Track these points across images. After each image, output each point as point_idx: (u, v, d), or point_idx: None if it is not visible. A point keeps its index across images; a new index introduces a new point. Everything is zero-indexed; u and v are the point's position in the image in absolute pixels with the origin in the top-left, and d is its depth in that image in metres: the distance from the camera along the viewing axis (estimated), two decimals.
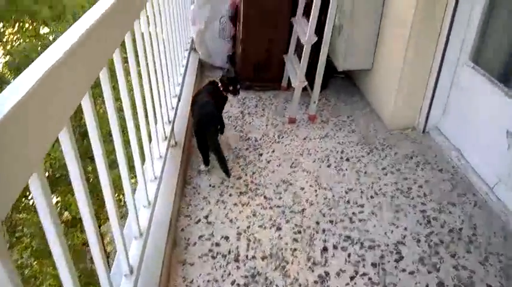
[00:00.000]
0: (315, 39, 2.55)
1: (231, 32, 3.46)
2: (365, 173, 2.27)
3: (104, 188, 1.14)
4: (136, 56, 1.57)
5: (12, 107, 0.58)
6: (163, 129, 2.06)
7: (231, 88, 2.33)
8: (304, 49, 2.58)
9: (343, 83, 3.34)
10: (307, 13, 2.95)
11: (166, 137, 2.06)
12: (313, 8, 2.46)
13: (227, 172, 2.22)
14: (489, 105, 2.08)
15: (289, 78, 3.08)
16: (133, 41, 1.46)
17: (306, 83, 2.67)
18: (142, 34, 1.66)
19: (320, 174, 2.26)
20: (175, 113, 2.36)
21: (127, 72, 1.38)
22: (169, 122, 2.20)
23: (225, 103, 2.46)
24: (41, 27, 6.11)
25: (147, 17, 1.79)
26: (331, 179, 2.22)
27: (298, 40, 2.96)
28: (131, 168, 1.40)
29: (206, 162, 2.28)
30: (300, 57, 3.02)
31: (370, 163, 2.35)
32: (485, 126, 2.12)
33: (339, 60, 2.94)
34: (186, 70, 2.90)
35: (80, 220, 1.04)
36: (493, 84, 2.04)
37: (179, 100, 2.51)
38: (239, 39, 3.24)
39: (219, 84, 2.35)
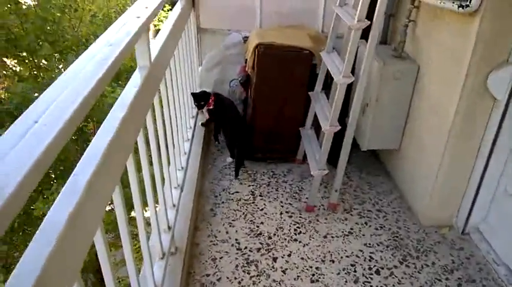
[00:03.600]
0: (339, 128, 2.22)
1: (242, 95, 3.16)
2: None
3: None
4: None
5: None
6: (160, 242, 1.71)
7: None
8: (325, 136, 2.26)
9: (366, 156, 3.01)
10: (325, 87, 2.66)
11: (164, 254, 1.72)
12: (337, 94, 2.15)
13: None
14: None
15: (305, 151, 2.79)
16: None
17: (327, 171, 2.33)
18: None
19: None
20: (177, 211, 2.02)
21: None
22: (169, 228, 1.87)
23: None
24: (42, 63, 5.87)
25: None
26: None
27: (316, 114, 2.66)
28: None
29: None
30: (317, 133, 2.73)
31: (405, 279, 2.00)
32: None
33: (363, 140, 2.62)
34: (189, 154, 2.55)
35: None
36: None
37: (182, 190, 2.18)
38: (250, 106, 2.94)
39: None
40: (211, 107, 2.82)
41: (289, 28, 2.85)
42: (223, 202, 2.50)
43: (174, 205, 2.03)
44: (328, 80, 2.66)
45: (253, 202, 2.52)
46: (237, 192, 2.60)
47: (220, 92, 3.14)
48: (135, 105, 1.20)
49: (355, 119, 2.21)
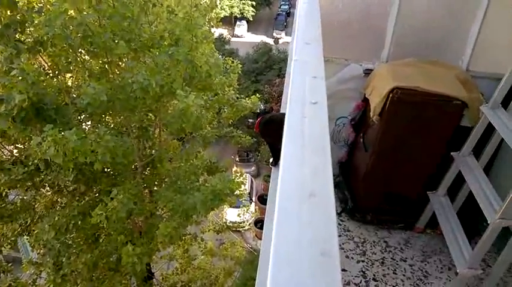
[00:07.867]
0: None
1: (348, 138, 2.60)
2: None
3: None
4: None
5: None
6: None
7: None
8: (488, 229, 1.65)
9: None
10: (476, 150, 2.04)
11: None
12: None
13: None
14: None
15: (430, 219, 2.22)
16: None
17: (480, 272, 1.73)
18: None
19: None
20: None
21: None
22: None
23: None
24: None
25: None
26: None
27: (455, 180, 2.07)
28: None
29: None
30: (451, 199, 2.14)
31: None
32: None
33: None
34: None
35: None
36: None
37: None
38: (363, 154, 2.38)
39: None
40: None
41: (428, 64, 2.23)
42: None
43: None
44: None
45: None
46: (344, 270, 2.06)
47: None
48: None
49: None
